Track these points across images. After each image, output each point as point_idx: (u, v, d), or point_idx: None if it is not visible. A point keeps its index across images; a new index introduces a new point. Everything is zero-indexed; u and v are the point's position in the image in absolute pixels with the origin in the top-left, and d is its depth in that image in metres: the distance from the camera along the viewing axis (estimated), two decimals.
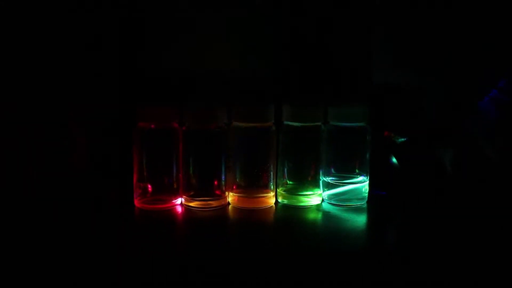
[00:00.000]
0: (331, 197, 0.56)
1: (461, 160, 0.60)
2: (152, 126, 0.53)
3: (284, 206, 0.55)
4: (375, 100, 0.64)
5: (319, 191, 0.56)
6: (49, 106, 0.59)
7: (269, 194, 0.55)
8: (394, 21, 0.67)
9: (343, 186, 0.55)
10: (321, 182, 0.56)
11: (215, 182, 0.54)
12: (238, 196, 0.54)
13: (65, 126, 0.60)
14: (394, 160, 0.59)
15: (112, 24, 0.62)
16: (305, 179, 0.55)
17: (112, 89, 0.63)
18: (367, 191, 0.56)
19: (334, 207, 0.55)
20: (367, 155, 0.56)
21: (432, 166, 0.60)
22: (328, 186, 0.56)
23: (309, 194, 0.55)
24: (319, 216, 0.53)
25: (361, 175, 0.56)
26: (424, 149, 0.62)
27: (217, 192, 0.54)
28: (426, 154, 0.61)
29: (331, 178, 0.56)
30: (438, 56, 0.67)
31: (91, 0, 0.60)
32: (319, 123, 0.55)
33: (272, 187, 0.55)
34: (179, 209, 0.54)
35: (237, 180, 0.54)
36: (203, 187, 0.54)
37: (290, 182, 0.56)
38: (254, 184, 0.54)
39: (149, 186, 0.54)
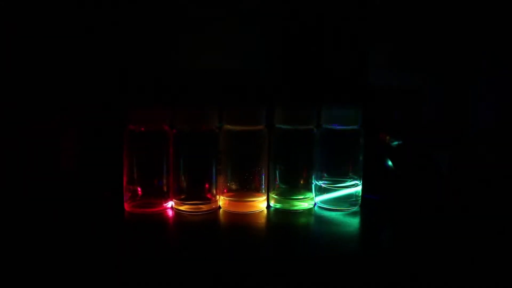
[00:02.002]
0: (324, 201, 0.55)
1: (457, 163, 0.59)
2: (143, 128, 0.52)
3: (276, 210, 0.55)
4: (370, 102, 0.64)
5: (312, 195, 0.55)
6: (41, 107, 0.58)
7: (260, 198, 0.54)
8: (390, 21, 0.67)
9: (336, 190, 0.55)
10: (313, 186, 0.55)
11: (206, 186, 0.53)
12: (229, 200, 0.54)
13: (57, 127, 0.59)
14: (389, 163, 0.59)
15: (106, 24, 0.61)
16: (297, 182, 0.55)
17: (104, 91, 0.62)
18: (360, 195, 0.56)
19: (326, 211, 0.54)
20: (360, 159, 0.55)
21: (428, 169, 0.59)
22: (321, 190, 0.55)
23: (301, 198, 0.55)
24: (311, 220, 0.52)
25: (354, 179, 0.55)
26: (420, 152, 0.61)
27: (208, 195, 0.53)
28: (423, 157, 0.60)
29: (323, 182, 0.55)
30: (435, 57, 0.66)
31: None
32: (311, 126, 0.54)
33: (263, 191, 0.54)
34: (169, 212, 0.53)
35: (228, 183, 0.54)
36: (194, 190, 0.53)
37: (282, 186, 0.55)
38: (245, 187, 0.54)
39: (139, 189, 0.53)
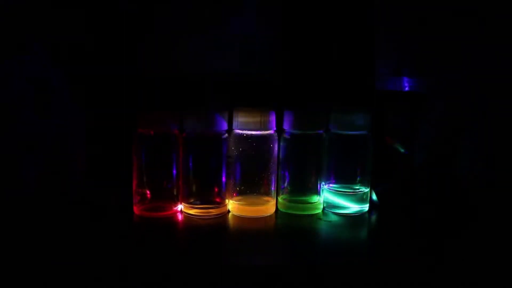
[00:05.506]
0: (332, 205, 0.55)
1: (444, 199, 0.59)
2: (152, 132, 0.52)
3: (285, 214, 0.55)
4: (377, 107, 0.64)
5: (320, 199, 0.55)
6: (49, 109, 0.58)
7: (269, 202, 0.54)
8: (397, 27, 0.67)
9: (344, 195, 0.55)
10: (322, 190, 0.55)
11: (216, 189, 0.53)
12: (239, 204, 0.54)
13: (66, 131, 0.59)
14: (374, 197, 0.58)
15: (116, 28, 0.62)
16: (306, 187, 0.55)
17: (113, 94, 0.63)
18: (368, 199, 0.56)
19: (334, 215, 0.55)
20: (369, 164, 0.55)
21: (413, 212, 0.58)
22: (329, 194, 0.55)
23: (310, 202, 0.55)
24: (319, 224, 0.52)
25: (362, 184, 0.55)
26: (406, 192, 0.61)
27: (217, 199, 0.54)
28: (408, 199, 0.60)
29: (332, 186, 0.55)
30: (441, 63, 0.66)
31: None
32: (320, 131, 0.54)
33: (272, 195, 0.54)
34: (179, 216, 0.53)
35: (238, 187, 0.54)
36: (203, 194, 0.53)
37: (291, 190, 0.55)
38: (254, 191, 0.54)
39: (148, 192, 0.53)
